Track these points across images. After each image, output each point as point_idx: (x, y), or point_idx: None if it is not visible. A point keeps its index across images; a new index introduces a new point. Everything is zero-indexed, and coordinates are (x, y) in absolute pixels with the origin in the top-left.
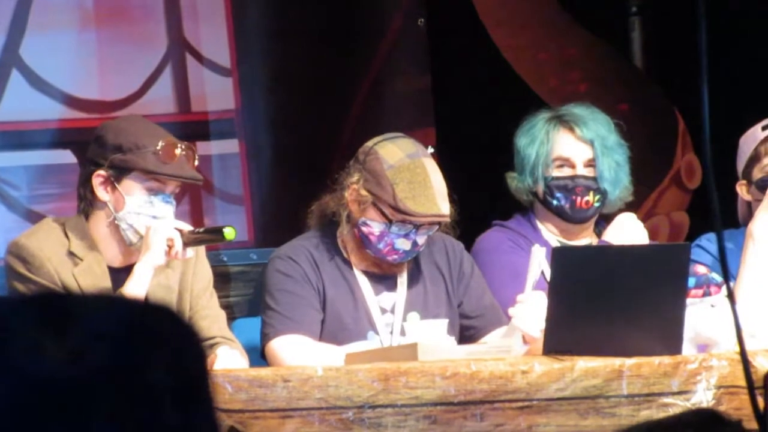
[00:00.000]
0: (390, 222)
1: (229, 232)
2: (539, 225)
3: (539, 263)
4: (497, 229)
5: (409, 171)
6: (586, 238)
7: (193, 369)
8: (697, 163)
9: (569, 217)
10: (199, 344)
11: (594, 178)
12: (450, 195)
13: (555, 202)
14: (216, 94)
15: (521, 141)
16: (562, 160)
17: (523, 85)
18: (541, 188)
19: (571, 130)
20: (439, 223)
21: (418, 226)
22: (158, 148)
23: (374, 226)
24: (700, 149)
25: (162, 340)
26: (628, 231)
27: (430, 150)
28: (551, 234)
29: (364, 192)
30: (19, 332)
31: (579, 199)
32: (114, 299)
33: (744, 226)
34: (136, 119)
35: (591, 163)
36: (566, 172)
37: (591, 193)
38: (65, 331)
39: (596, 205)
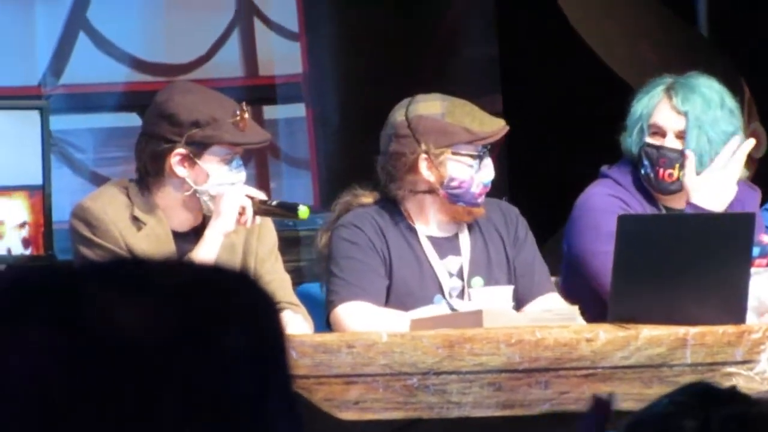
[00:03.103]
0: (474, 158)
1: (304, 211)
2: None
3: None
4: (602, 184)
5: (457, 106)
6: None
7: (268, 332)
8: (762, 132)
9: (653, 187)
10: (273, 306)
11: (681, 152)
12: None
13: (642, 170)
14: (283, 58)
15: (635, 99)
16: (656, 127)
17: (591, 54)
18: (636, 151)
19: (670, 98)
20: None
21: (485, 150)
22: (236, 118)
23: (462, 174)
24: (766, 118)
25: (236, 303)
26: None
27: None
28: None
29: (437, 151)
30: (92, 298)
31: (662, 171)
32: (185, 264)
33: None
34: (196, 90)
35: (683, 135)
36: (657, 140)
37: (676, 167)
38: (138, 296)
39: (683, 179)
